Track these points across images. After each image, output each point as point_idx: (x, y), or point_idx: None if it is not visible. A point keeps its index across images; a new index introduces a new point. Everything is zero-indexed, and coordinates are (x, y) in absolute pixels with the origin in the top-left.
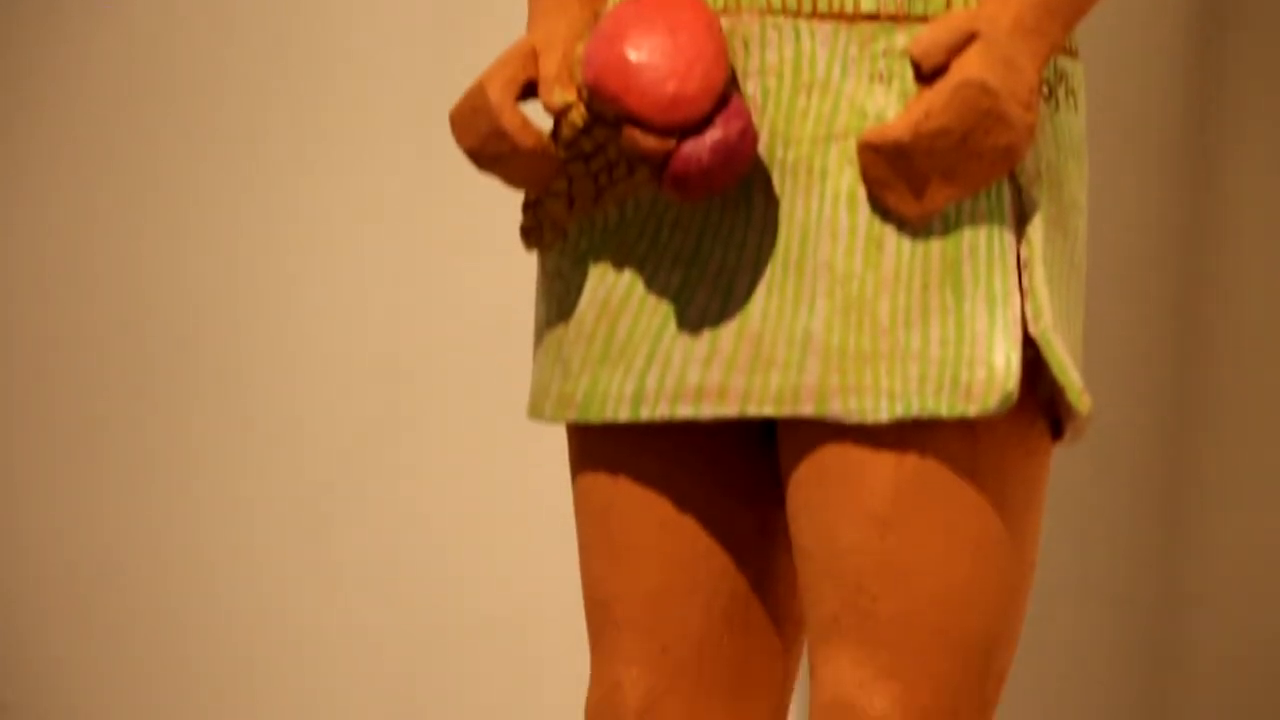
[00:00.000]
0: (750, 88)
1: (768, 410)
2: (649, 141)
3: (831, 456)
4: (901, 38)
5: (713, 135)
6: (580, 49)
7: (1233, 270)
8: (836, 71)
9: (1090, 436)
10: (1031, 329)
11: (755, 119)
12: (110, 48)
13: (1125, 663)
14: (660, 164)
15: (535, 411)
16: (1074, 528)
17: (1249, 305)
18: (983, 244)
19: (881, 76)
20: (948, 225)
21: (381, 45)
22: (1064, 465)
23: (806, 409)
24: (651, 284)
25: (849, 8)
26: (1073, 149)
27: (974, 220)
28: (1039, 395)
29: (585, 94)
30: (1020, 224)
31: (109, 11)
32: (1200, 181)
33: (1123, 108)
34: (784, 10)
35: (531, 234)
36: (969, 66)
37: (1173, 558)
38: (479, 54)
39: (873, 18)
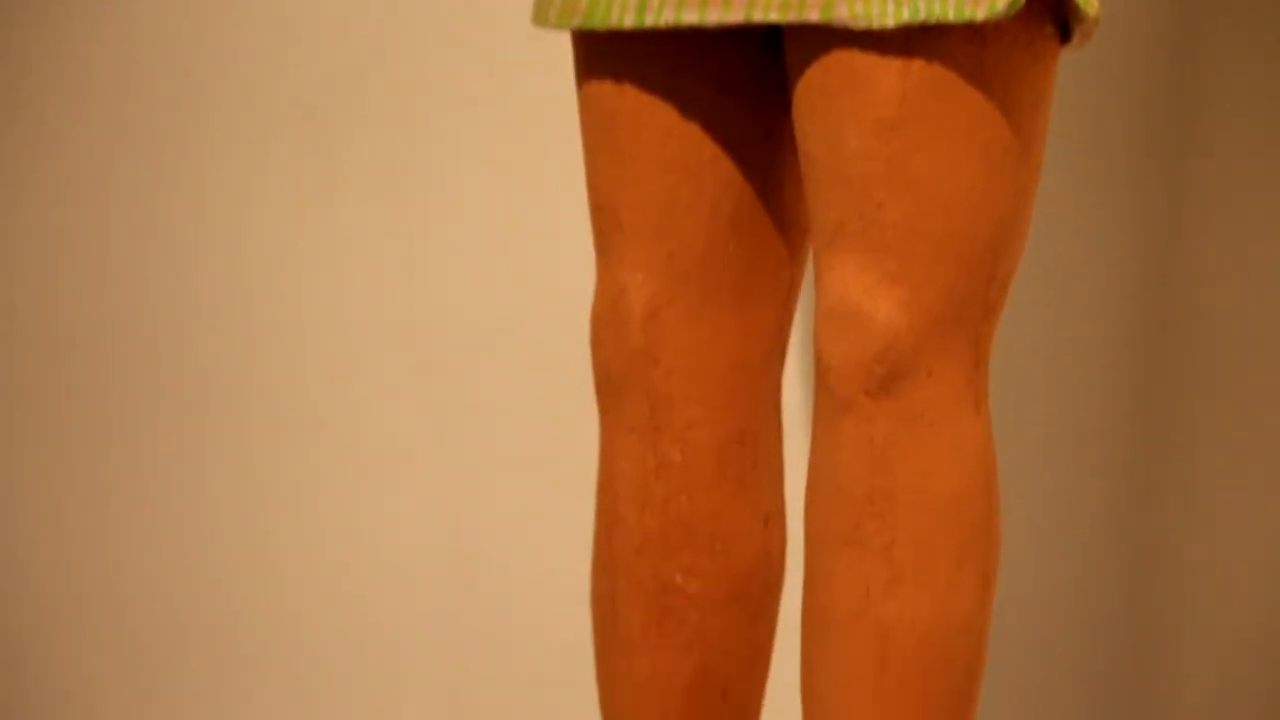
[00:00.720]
0: None
1: (773, 16)
2: None
3: (838, 63)
4: None
5: None
6: None
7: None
8: None
9: (1097, 41)
10: None
11: None
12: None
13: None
14: None
15: (539, 18)
16: (1079, 136)
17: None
18: None
19: None
20: None
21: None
22: (1070, 68)
23: (812, 15)
24: None
25: None
26: None
27: None
28: None
29: None
30: None
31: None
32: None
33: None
34: None
35: None
36: None
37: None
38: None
39: None
